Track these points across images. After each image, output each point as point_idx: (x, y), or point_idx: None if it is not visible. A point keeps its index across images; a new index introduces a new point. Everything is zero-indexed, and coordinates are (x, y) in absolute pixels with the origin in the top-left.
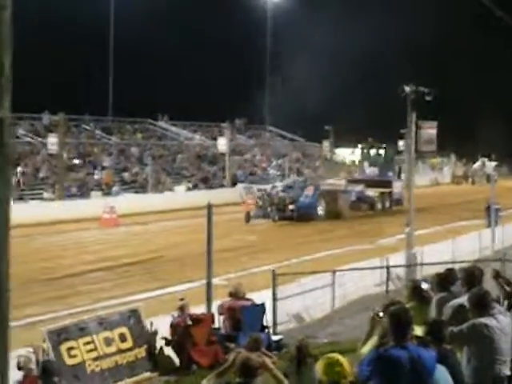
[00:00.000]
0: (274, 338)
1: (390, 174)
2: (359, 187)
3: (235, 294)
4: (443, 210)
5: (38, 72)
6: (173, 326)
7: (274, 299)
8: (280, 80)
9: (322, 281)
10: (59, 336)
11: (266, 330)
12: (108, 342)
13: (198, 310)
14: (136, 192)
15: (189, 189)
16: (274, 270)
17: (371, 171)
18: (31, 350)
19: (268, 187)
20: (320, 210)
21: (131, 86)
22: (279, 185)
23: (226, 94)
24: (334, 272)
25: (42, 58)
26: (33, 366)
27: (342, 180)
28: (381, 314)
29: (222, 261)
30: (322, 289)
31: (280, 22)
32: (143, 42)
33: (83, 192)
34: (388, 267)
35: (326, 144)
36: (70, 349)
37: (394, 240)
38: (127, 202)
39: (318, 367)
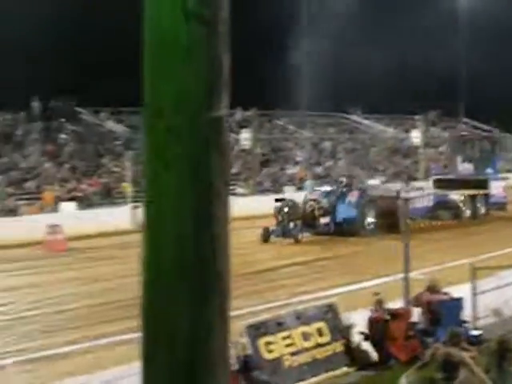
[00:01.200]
0: (474, 333)
1: (490, 170)
2: (430, 189)
3: (432, 288)
4: None
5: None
6: (371, 321)
7: (474, 293)
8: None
9: None
10: (258, 330)
11: (465, 325)
12: (306, 336)
13: (393, 304)
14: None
15: (383, 182)
16: (472, 264)
17: (464, 168)
18: (230, 344)
19: (303, 194)
20: (369, 223)
21: (321, 80)
22: (314, 191)
23: (421, 86)
24: None
25: (232, 56)
26: (232, 360)
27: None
28: None
29: (416, 253)
30: None
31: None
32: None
33: (276, 187)
34: None
35: None
36: (268, 343)
37: None
38: None
39: None
